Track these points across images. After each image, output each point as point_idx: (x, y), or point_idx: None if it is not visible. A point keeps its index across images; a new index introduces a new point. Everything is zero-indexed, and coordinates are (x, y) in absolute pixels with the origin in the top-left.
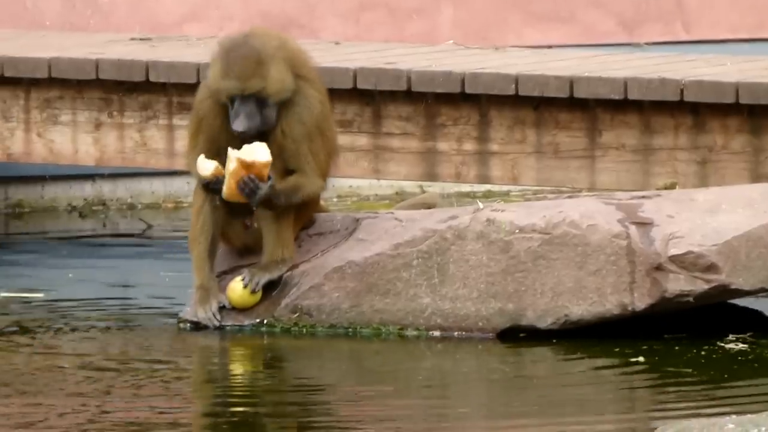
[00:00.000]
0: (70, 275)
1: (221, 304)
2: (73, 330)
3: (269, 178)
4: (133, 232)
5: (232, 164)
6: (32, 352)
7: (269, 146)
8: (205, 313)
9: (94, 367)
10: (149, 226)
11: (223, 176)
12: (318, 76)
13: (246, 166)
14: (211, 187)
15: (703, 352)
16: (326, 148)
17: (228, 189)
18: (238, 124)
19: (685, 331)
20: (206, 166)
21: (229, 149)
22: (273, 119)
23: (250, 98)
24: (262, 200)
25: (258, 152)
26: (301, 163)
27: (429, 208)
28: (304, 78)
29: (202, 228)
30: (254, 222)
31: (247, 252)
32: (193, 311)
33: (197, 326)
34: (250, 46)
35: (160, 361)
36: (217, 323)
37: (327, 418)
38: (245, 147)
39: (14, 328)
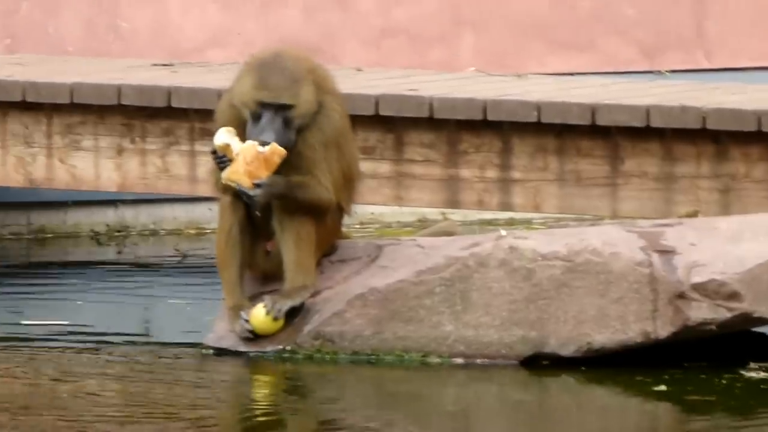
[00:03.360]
0: (79, 303)
1: (245, 319)
2: (95, 357)
3: (260, 186)
4: (156, 258)
5: (247, 147)
6: (55, 379)
7: (290, 157)
8: (241, 327)
9: (117, 390)
10: (184, 256)
11: (229, 158)
12: (341, 96)
13: (256, 153)
14: (216, 158)
15: (724, 381)
16: (341, 163)
17: (233, 166)
18: (267, 136)
19: (706, 359)
20: (221, 136)
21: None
22: (293, 140)
23: (279, 114)
24: (266, 198)
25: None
26: (314, 169)
27: (448, 236)
28: (329, 94)
29: (233, 251)
30: (275, 248)
31: (267, 279)
32: (228, 328)
33: (219, 353)
34: (285, 64)
35: (183, 388)
36: (249, 333)
37: None
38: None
39: (36, 356)
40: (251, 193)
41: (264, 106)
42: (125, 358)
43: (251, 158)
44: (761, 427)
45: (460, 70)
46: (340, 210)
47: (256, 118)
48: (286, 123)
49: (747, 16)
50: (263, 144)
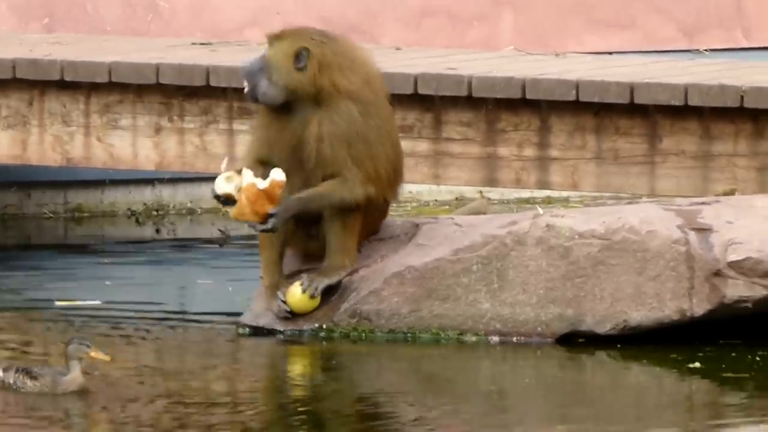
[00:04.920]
0: (107, 282)
1: (282, 300)
2: (129, 338)
3: (272, 215)
4: (194, 236)
5: (246, 182)
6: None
7: (304, 155)
8: (278, 305)
9: (156, 373)
10: (227, 237)
11: (235, 199)
12: (378, 82)
13: (256, 191)
14: (220, 201)
15: (758, 358)
16: (375, 161)
17: (238, 208)
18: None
19: (740, 336)
20: (221, 186)
21: (244, 169)
22: (265, 93)
23: (261, 56)
24: (279, 224)
25: (273, 174)
26: (339, 168)
27: (479, 214)
28: (350, 89)
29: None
30: (319, 231)
31: (308, 257)
32: (265, 306)
33: (256, 331)
34: (295, 29)
35: (219, 367)
36: (286, 312)
37: (385, 424)
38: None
39: (71, 335)
40: (263, 226)
41: None
42: (161, 335)
43: (254, 197)
44: None
45: (499, 49)
46: (386, 200)
47: None
48: (263, 70)
49: None
50: (264, 178)
